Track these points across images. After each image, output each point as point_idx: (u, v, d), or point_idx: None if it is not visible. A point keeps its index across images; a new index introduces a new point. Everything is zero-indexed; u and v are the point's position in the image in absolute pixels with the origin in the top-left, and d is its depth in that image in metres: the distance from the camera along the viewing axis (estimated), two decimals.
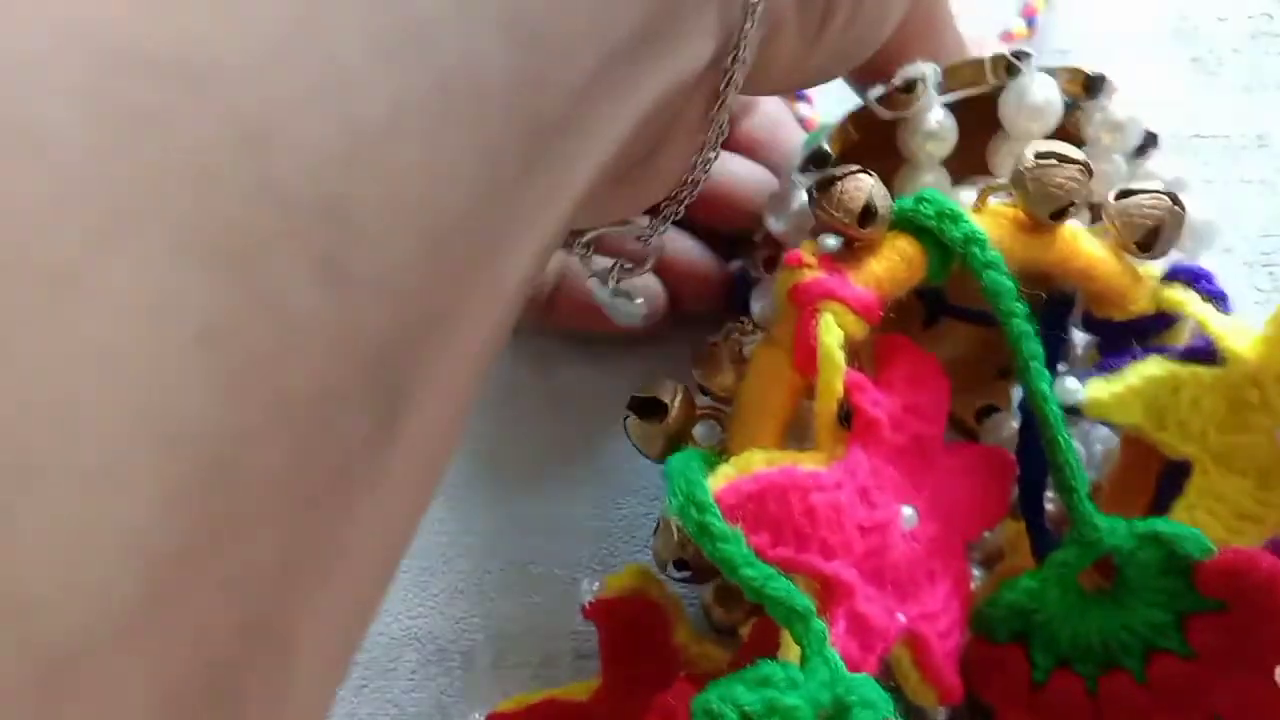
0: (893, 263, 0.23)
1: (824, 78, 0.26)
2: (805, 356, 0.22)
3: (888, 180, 0.24)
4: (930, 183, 0.26)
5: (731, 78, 0.21)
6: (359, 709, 0.29)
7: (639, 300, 0.28)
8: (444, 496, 0.32)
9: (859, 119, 0.26)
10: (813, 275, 0.22)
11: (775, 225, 0.26)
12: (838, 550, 0.21)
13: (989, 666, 0.24)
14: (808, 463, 0.22)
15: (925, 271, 0.23)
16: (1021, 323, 0.23)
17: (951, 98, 0.26)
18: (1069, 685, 0.23)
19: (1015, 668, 0.24)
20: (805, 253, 0.23)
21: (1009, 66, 0.26)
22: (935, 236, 0.23)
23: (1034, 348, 0.23)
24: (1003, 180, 0.24)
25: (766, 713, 0.19)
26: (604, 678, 0.26)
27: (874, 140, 0.26)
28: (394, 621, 0.31)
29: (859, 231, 0.23)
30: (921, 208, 0.23)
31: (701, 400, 0.26)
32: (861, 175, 0.23)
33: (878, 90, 0.26)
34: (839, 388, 0.22)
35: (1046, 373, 0.23)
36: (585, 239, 0.26)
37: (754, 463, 0.21)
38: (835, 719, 0.20)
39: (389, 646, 0.30)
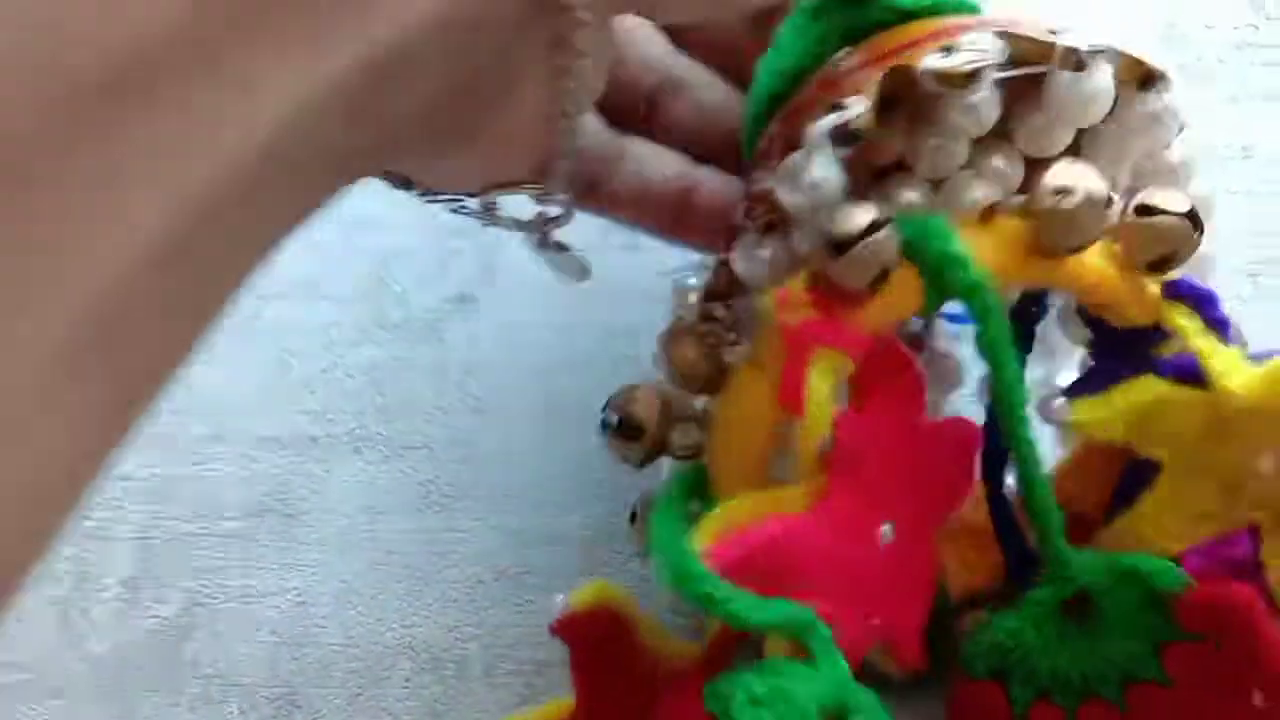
0: (889, 299, 0.23)
1: None
2: (792, 398, 0.22)
3: (900, 127, 0.23)
4: (951, 151, 0.24)
5: (576, 17, 0.19)
6: (353, 717, 0.30)
7: (578, 253, 0.27)
8: (436, 506, 0.33)
9: (891, 78, 0.23)
10: (804, 315, 0.22)
11: (788, 197, 0.24)
12: (822, 587, 0.21)
13: (968, 702, 0.24)
14: (790, 502, 0.22)
15: (922, 303, 0.23)
16: (1012, 370, 0.23)
17: (1003, 75, 0.23)
18: (1049, 717, 0.24)
19: (994, 702, 0.24)
20: (795, 290, 0.23)
21: (1078, 63, 0.23)
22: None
23: (1020, 397, 0.23)
24: (1016, 198, 0.23)
25: (772, 698, 0.20)
26: (578, 692, 0.26)
27: (899, 96, 0.24)
28: (387, 630, 0.31)
29: (867, 294, 0.22)
30: (930, 246, 0.22)
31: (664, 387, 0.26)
32: (884, 240, 0.22)
33: (935, 60, 0.23)
34: (825, 430, 0.22)
35: (1028, 419, 0.23)
36: (482, 201, 0.25)
37: (740, 513, 0.21)
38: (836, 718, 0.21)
39: (382, 655, 0.31)
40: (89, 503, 0.33)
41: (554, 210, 0.26)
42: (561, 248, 0.27)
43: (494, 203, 0.25)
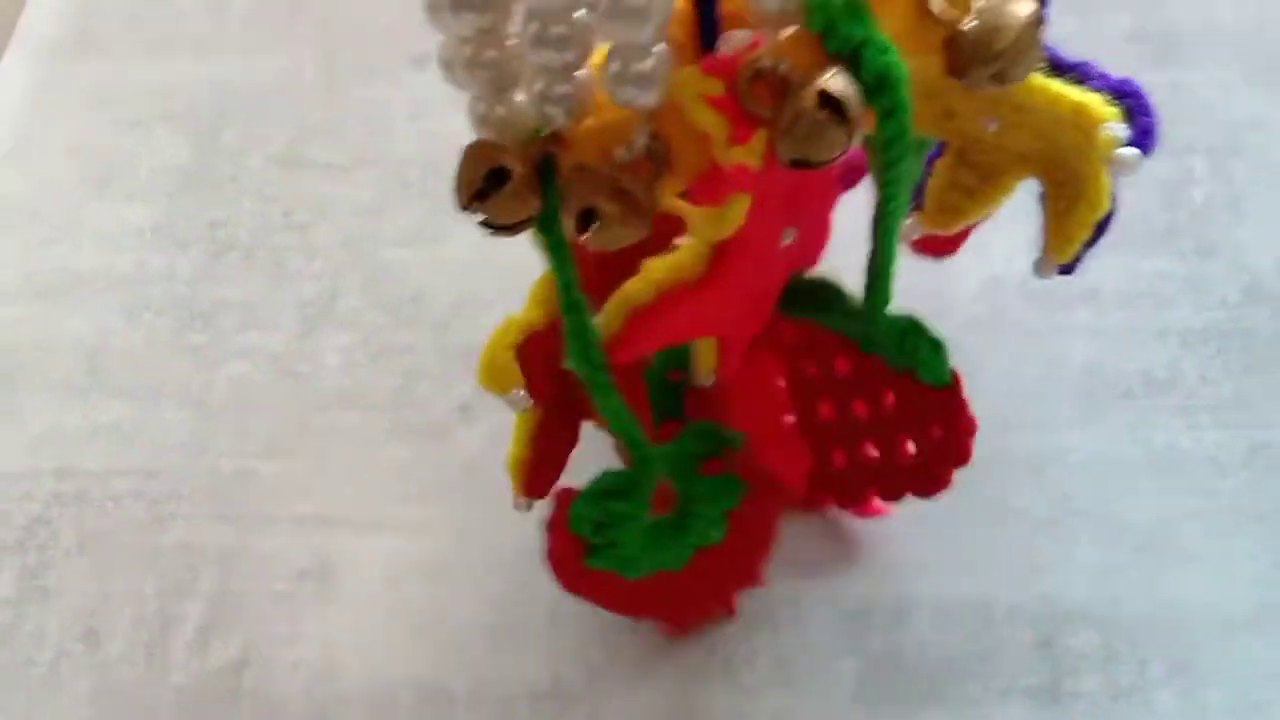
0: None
1: None
2: (710, 198, 0.25)
3: None
4: None
5: None
6: None
7: None
8: (437, 574, 0.42)
9: None
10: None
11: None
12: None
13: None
14: (685, 266, 0.27)
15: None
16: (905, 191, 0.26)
17: None
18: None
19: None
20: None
21: None
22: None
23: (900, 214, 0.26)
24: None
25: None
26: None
27: None
28: (393, 668, 0.40)
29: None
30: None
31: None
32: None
33: None
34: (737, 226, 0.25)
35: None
36: None
37: (641, 293, 0.27)
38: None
39: (391, 687, 0.40)
40: (169, 566, 0.43)
41: None
42: None
43: None
